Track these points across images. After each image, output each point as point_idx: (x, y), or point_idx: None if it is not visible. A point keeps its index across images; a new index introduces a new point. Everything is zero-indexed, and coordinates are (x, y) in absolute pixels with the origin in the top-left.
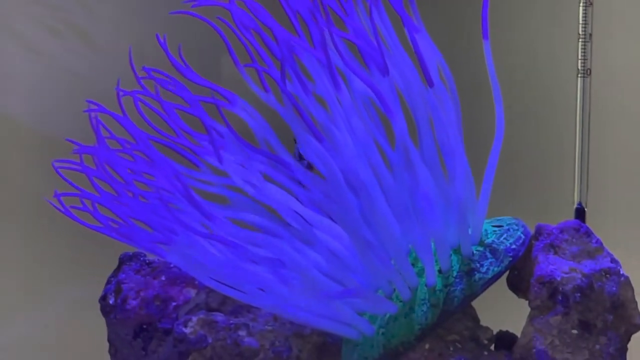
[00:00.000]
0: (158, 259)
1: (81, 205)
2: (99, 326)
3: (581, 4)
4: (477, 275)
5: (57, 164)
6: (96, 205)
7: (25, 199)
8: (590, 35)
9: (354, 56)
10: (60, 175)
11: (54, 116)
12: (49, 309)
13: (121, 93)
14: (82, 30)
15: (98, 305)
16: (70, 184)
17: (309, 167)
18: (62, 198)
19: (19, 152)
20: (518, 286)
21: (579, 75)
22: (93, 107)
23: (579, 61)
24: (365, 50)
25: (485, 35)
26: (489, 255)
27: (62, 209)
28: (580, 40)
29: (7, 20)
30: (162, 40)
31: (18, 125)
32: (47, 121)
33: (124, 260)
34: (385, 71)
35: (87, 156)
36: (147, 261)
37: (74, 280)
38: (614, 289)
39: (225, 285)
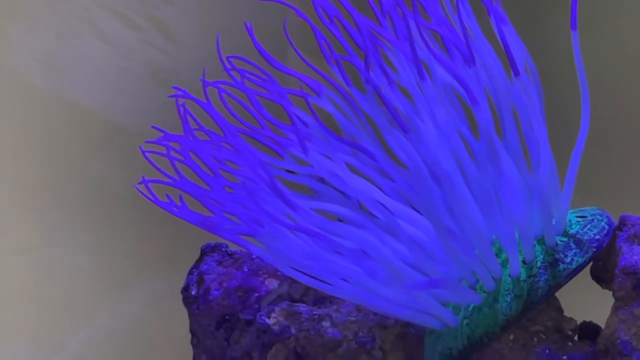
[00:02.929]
0: (240, 250)
1: (166, 199)
2: (181, 317)
3: None
4: (561, 266)
5: (144, 149)
6: (181, 195)
7: (104, 191)
8: None
9: (436, 45)
10: (150, 161)
11: (134, 109)
12: (131, 300)
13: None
14: (161, 22)
15: (180, 296)
16: (159, 169)
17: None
18: (146, 187)
19: (96, 144)
20: (602, 277)
21: None
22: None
23: None
24: (450, 40)
25: (573, 26)
26: (573, 245)
27: (149, 196)
28: None
29: (87, 13)
30: (249, 27)
31: (97, 118)
32: (127, 114)
33: (206, 251)
34: (471, 61)
35: (170, 146)
36: (229, 252)
37: (156, 271)
38: None
39: (309, 276)
